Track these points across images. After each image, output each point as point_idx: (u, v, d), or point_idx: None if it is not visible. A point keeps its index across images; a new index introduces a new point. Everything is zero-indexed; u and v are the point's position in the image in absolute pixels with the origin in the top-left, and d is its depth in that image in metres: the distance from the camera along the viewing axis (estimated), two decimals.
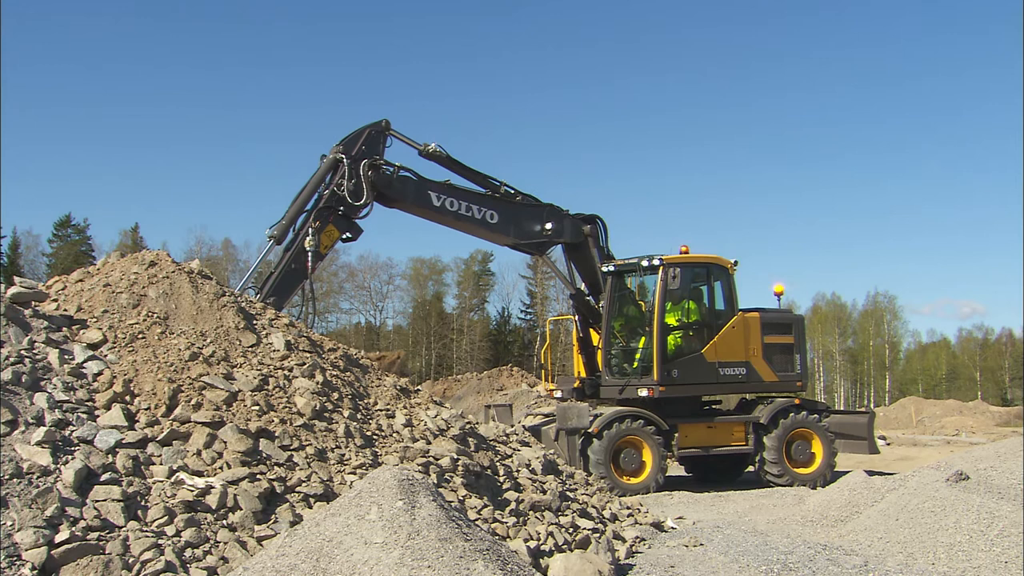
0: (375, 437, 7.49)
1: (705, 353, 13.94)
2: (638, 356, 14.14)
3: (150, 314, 7.57)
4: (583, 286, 14.92)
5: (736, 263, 14.51)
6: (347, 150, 12.31)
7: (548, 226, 14.16)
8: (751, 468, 15.28)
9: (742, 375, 14.18)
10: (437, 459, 7.26)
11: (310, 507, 6.17)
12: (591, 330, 14.94)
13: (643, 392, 13.52)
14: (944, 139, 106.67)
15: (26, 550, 5.05)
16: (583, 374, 14.89)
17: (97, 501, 5.56)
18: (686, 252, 14.35)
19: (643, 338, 14.13)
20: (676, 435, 13.67)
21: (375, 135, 12.66)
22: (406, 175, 12.88)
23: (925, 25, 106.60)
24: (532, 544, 6.74)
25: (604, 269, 14.43)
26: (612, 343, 14.37)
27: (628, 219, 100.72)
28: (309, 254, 11.75)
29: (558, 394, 15.13)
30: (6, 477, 5.44)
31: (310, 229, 11.83)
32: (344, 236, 12.57)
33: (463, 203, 13.35)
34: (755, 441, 14.10)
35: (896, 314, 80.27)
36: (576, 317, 15.22)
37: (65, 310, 7.52)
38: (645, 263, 14.03)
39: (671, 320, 14.08)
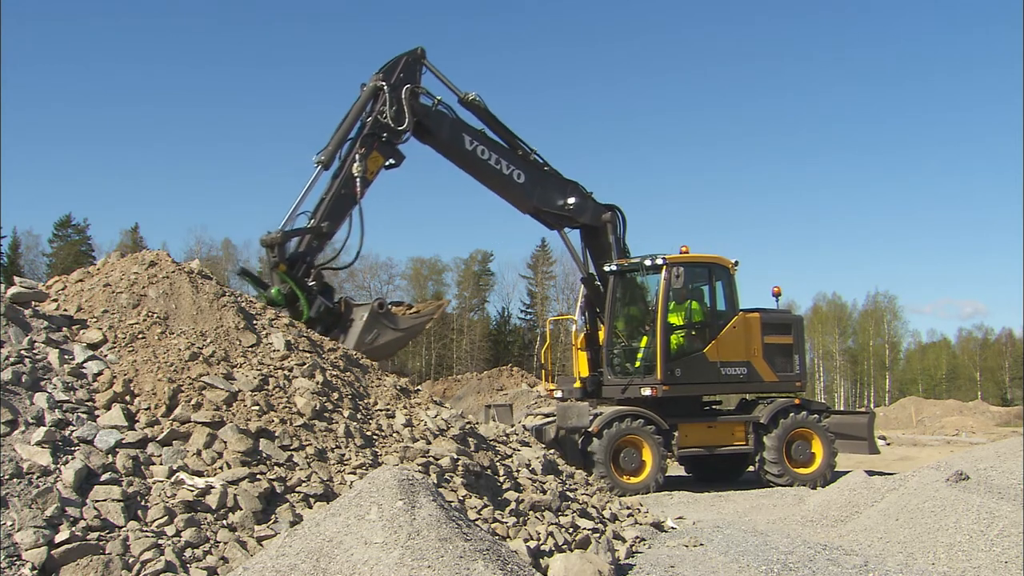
0: (375, 437, 7.49)
1: (707, 353, 13.95)
2: (640, 355, 14.12)
3: (150, 314, 7.57)
4: (595, 272, 14.81)
5: (737, 263, 14.53)
6: (387, 78, 12.24)
7: (570, 201, 14.03)
8: (751, 468, 15.28)
9: (743, 375, 14.20)
10: (437, 459, 7.26)
11: (310, 507, 6.17)
12: (597, 320, 14.82)
13: (646, 391, 13.51)
14: (944, 139, 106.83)
15: (26, 550, 5.04)
16: (584, 373, 14.80)
17: (97, 501, 5.56)
18: (686, 252, 14.36)
19: (645, 337, 14.12)
20: (676, 435, 13.68)
21: (412, 62, 12.58)
22: (443, 110, 12.80)
23: (925, 25, 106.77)
24: (532, 544, 6.74)
25: (606, 268, 14.39)
26: (614, 342, 14.35)
27: (628, 219, 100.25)
28: (358, 180, 11.71)
29: (558, 394, 15.07)
30: (6, 477, 5.44)
31: (357, 156, 11.76)
32: (388, 163, 12.51)
33: (494, 154, 13.21)
34: (755, 441, 14.10)
35: (896, 314, 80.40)
36: (581, 308, 15.04)
37: (65, 310, 7.52)
38: (648, 262, 14.01)
39: (674, 320, 14.08)
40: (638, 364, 14.10)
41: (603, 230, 14.50)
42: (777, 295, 15.64)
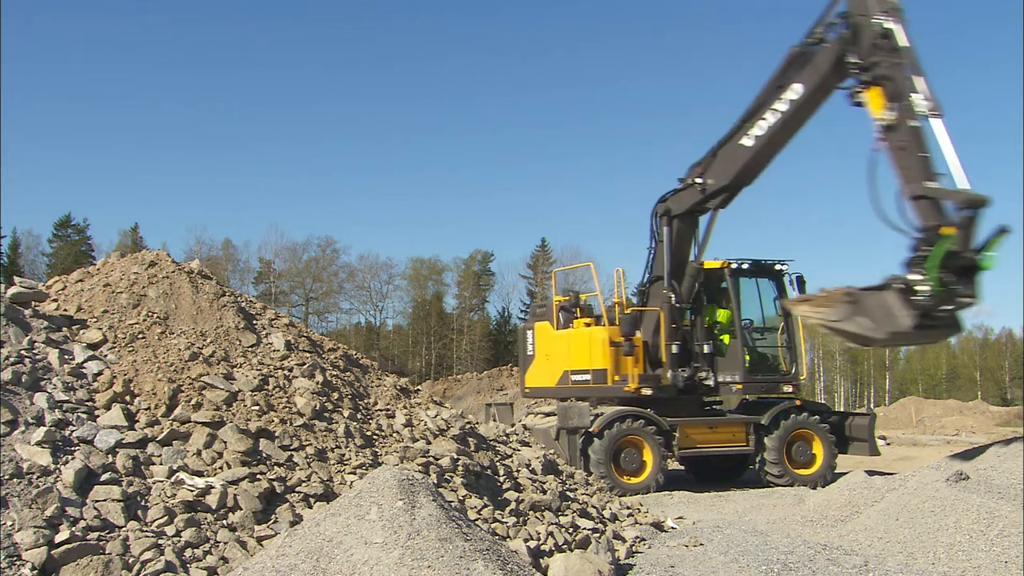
0: (375, 437, 7.49)
1: None
2: (771, 355, 14.68)
3: (150, 314, 7.57)
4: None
5: None
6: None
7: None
8: (752, 467, 15.28)
9: None
10: (437, 459, 7.26)
11: (310, 507, 6.17)
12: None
13: (788, 388, 14.34)
14: None
15: (26, 550, 5.05)
16: (631, 371, 13.73)
17: (97, 501, 5.56)
18: None
19: (778, 335, 14.71)
20: (676, 435, 13.66)
21: None
22: None
23: (924, 25, 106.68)
24: (532, 544, 6.74)
25: (731, 266, 14.10)
26: (738, 342, 14.19)
27: (628, 218, 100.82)
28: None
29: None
30: (6, 477, 5.44)
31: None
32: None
33: None
34: (756, 442, 14.11)
35: None
36: (667, 304, 13.89)
37: (65, 310, 7.53)
38: (779, 267, 14.38)
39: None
40: (748, 364, 14.07)
41: (695, 222, 14.02)
42: None
